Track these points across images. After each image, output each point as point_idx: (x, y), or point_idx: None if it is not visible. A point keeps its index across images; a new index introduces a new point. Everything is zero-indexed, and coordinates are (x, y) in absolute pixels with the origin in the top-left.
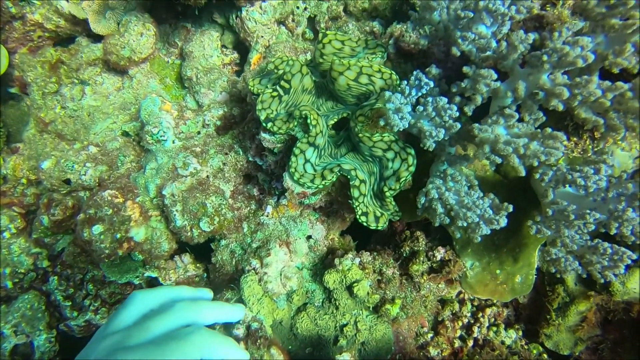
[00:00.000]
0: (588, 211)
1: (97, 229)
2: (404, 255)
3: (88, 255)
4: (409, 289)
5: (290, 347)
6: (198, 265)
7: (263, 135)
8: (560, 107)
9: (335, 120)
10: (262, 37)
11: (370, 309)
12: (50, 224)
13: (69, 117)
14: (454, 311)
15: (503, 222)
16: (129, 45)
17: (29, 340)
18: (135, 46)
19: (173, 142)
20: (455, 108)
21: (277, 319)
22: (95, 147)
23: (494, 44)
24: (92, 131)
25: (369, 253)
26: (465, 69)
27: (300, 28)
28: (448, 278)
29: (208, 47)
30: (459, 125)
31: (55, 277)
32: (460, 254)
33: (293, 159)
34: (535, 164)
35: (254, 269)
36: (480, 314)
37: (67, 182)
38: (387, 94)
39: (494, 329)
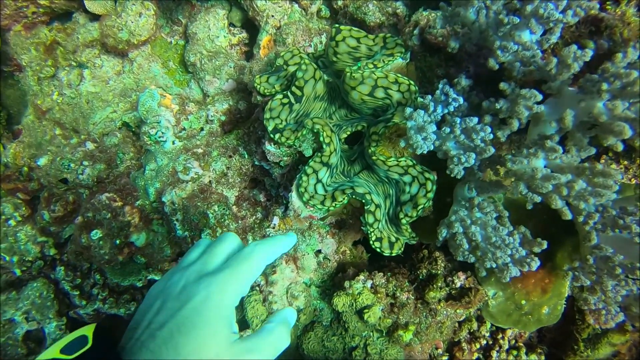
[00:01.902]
0: (639, 265)
1: (96, 234)
2: (420, 277)
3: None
4: (424, 313)
5: None
6: None
7: (268, 147)
8: (620, 148)
9: (349, 133)
10: (272, 16)
11: (382, 331)
12: (51, 219)
13: (67, 104)
14: (471, 330)
15: (535, 265)
16: (127, 27)
17: (40, 327)
18: (133, 28)
19: (173, 142)
20: (489, 130)
21: None
22: (93, 144)
23: (539, 58)
24: (91, 121)
25: (382, 274)
26: (503, 85)
27: (315, 6)
28: (467, 307)
29: (214, 27)
30: (492, 150)
31: (62, 268)
32: (483, 282)
33: (304, 178)
34: (582, 206)
35: (258, 286)
36: (500, 335)
37: (64, 181)
38: (408, 110)
39: (514, 352)
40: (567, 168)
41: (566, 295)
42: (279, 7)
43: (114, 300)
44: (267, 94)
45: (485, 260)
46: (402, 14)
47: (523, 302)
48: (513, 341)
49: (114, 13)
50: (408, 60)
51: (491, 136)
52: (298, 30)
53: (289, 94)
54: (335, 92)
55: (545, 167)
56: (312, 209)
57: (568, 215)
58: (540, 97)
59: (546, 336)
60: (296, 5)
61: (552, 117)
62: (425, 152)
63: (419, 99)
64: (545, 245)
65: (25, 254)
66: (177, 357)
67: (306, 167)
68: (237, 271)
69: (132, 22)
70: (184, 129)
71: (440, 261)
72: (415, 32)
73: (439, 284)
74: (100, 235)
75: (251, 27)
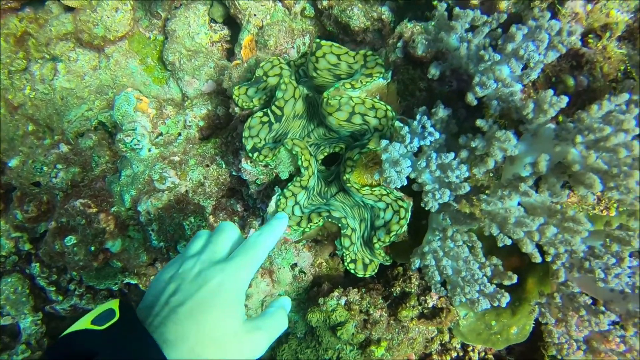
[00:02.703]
0: (603, 309)
1: (70, 240)
2: (394, 294)
3: None
4: (397, 330)
5: None
6: None
7: (244, 166)
8: (590, 199)
9: (326, 154)
10: (254, 15)
11: (355, 345)
12: (24, 220)
13: (40, 100)
14: (443, 341)
15: (505, 301)
16: (103, 23)
17: (15, 322)
18: (109, 23)
19: (149, 150)
20: (465, 169)
21: None
22: (67, 146)
23: (518, 97)
24: (66, 118)
25: (356, 290)
26: (480, 122)
27: (298, 5)
28: (438, 327)
29: (194, 23)
30: (468, 188)
31: (38, 264)
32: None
33: (282, 200)
34: (552, 252)
35: None
36: (471, 348)
37: (37, 184)
38: (384, 142)
39: None
40: (540, 208)
41: (535, 316)
42: (262, 5)
43: (91, 296)
44: (245, 107)
45: (455, 294)
46: (387, 20)
47: (493, 322)
48: (483, 353)
49: (89, 7)
50: (389, 79)
51: (467, 174)
52: (280, 31)
53: (269, 112)
54: (313, 107)
55: (518, 204)
56: (287, 230)
57: (538, 259)
58: (515, 142)
59: (515, 349)
60: (279, 4)
61: (528, 155)
62: (398, 186)
63: (397, 124)
64: (515, 279)
65: None
66: (199, 330)
67: (285, 191)
68: (246, 259)
69: (108, 18)
70: (161, 134)
71: (414, 279)
72: (399, 44)
73: (412, 303)
74: (75, 241)
75: (233, 23)
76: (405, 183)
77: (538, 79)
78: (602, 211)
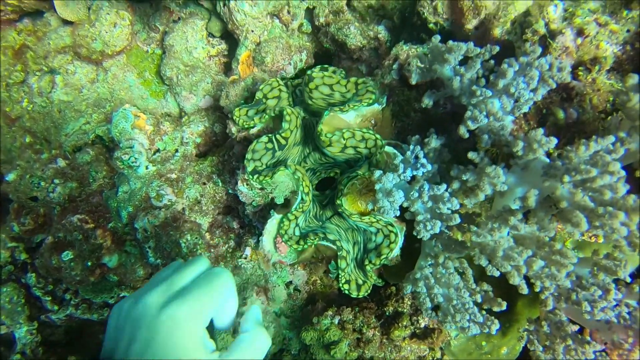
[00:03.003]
0: (588, 339)
1: (67, 255)
2: (387, 314)
3: None
4: (389, 348)
5: None
6: None
7: (240, 188)
8: (577, 237)
9: (320, 179)
10: (252, 31)
11: None
12: (21, 232)
13: (37, 113)
14: (434, 359)
15: (495, 328)
16: (101, 38)
17: (10, 331)
18: (108, 39)
19: (146, 167)
20: (455, 202)
21: None
22: (64, 160)
23: (508, 131)
24: (64, 132)
25: (350, 309)
26: (471, 155)
27: (296, 22)
28: (430, 346)
29: (192, 38)
30: (458, 220)
31: (34, 275)
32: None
33: (286, 222)
34: (538, 285)
35: None
36: None
37: (34, 199)
38: (377, 174)
39: None
40: (529, 239)
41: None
42: (259, 22)
43: (86, 306)
44: (246, 127)
45: (446, 321)
46: (383, 39)
47: (483, 343)
48: None
49: (88, 22)
50: (384, 104)
51: (458, 207)
52: (278, 48)
53: (273, 139)
54: (309, 130)
55: (507, 234)
56: (283, 253)
57: (525, 291)
58: (503, 178)
59: None
60: (277, 21)
61: (517, 187)
62: (391, 216)
63: (389, 149)
64: (504, 306)
65: None
66: None
67: (289, 215)
68: (204, 291)
69: (107, 33)
70: (158, 150)
71: (407, 299)
72: (395, 66)
73: (405, 323)
74: (72, 256)
75: (231, 37)
76: (398, 214)
77: (529, 111)
78: (590, 238)
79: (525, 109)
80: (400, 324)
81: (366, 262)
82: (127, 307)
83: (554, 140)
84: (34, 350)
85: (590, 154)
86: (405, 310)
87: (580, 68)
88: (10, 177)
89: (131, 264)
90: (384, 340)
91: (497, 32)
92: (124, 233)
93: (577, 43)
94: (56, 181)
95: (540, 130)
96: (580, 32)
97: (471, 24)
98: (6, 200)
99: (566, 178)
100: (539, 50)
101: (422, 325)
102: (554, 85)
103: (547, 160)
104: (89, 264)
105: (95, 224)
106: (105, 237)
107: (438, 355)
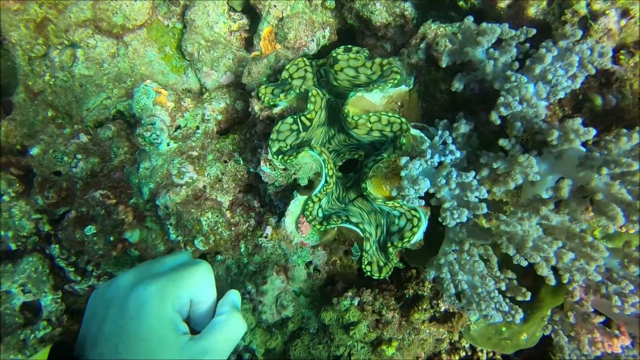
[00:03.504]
0: (617, 333)
1: (90, 229)
2: (407, 296)
3: None
4: (408, 331)
5: None
6: (196, 256)
7: (263, 168)
8: (611, 230)
9: (345, 160)
10: (274, 6)
11: (366, 343)
12: (45, 205)
13: (59, 87)
14: (452, 341)
15: (519, 317)
16: (122, 11)
17: (36, 299)
18: (129, 12)
19: (168, 144)
20: (484, 191)
21: (269, 348)
22: (87, 136)
23: (542, 119)
24: (85, 106)
25: (369, 291)
26: (502, 142)
27: None
28: (450, 331)
29: (213, 12)
30: (485, 210)
31: (57, 246)
32: (468, 315)
33: (310, 204)
34: (567, 277)
35: (249, 293)
36: (480, 348)
37: (57, 173)
38: (403, 160)
39: None
40: (559, 230)
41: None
42: None
43: (108, 277)
44: (271, 104)
45: (470, 309)
46: (410, 16)
47: (504, 329)
48: (491, 354)
49: None
50: (412, 86)
51: (486, 196)
52: (301, 24)
53: (298, 121)
54: (334, 111)
55: (537, 224)
56: (305, 234)
57: (552, 282)
58: (536, 169)
59: (523, 351)
60: None
61: (550, 175)
62: (415, 205)
63: (415, 132)
64: (529, 297)
65: (19, 229)
66: None
67: (313, 197)
68: (180, 274)
69: (127, 6)
70: (179, 127)
71: (427, 282)
72: (422, 46)
73: (424, 306)
74: (94, 231)
75: (252, 12)
76: (423, 203)
77: (565, 96)
78: (621, 228)
79: (560, 95)
80: (420, 307)
81: (388, 245)
82: (101, 291)
83: (592, 131)
84: (59, 317)
85: (633, 146)
86: (425, 293)
87: (622, 51)
88: (34, 151)
89: (152, 239)
90: (403, 323)
91: (531, 11)
92: (145, 209)
93: (621, 25)
94: (79, 156)
95: (579, 120)
96: (624, 13)
97: (504, 2)
98: (31, 173)
99: (604, 170)
100: (580, 33)
101: (442, 309)
102: (594, 72)
103: (584, 149)
104: (111, 238)
105: (117, 199)
106: (127, 213)
107: (456, 337)
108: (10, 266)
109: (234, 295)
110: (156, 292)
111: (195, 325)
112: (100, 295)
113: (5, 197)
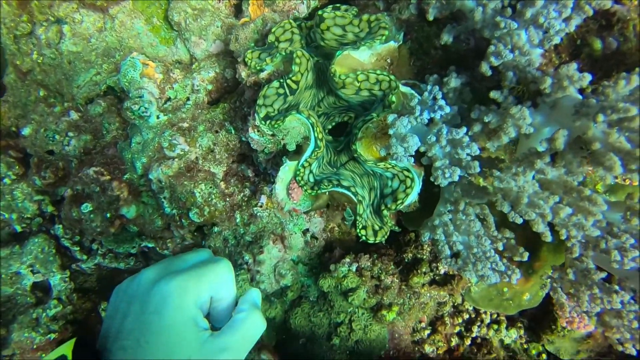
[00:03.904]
0: (617, 288)
1: (86, 207)
2: (406, 260)
3: None
4: (408, 295)
5: (283, 336)
6: (195, 234)
7: (251, 135)
8: (609, 181)
9: (334, 124)
10: None
11: (366, 309)
12: (43, 185)
13: (48, 65)
14: (455, 303)
15: (515, 277)
16: None
17: (46, 279)
18: None
19: (157, 117)
20: (475, 147)
21: (269, 317)
22: (77, 113)
23: (536, 67)
24: (75, 84)
25: (368, 256)
26: (494, 94)
27: None
28: (450, 293)
29: None
30: (477, 169)
31: (61, 226)
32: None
33: (301, 169)
34: (564, 233)
35: (246, 263)
36: (483, 310)
37: (51, 152)
38: (391, 118)
39: (495, 326)
40: (555, 184)
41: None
42: None
43: (113, 255)
44: (258, 69)
45: (465, 270)
46: None
47: (505, 289)
48: (495, 315)
49: None
50: (401, 42)
51: (478, 152)
52: None
53: (284, 84)
54: (323, 73)
55: (533, 178)
56: (296, 200)
57: (549, 238)
58: (530, 120)
59: (527, 310)
60: None
61: (545, 127)
62: (405, 163)
63: (404, 89)
64: (526, 257)
65: (23, 211)
66: None
67: (304, 162)
68: (199, 271)
69: None
70: (169, 99)
71: (426, 246)
72: (413, 0)
73: (424, 270)
74: (91, 208)
75: None
76: (412, 161)
77: (561, 42)
78: (624, 180)
79: (556, 40)
80: (419, 271)
81: (382, 208)
82: (124, 286)
83: (588, 77)
84: (69, 296)
85: (632, 89)
86: (424, 256)
87: None
88: (26, 131)
89: (149, 214)
90: (403, 287)
91: None
92: (139, 184)
93: None
94: (70, 134)
95: (573, 65)
96: None
97: None
98: (27, 155)
99: (600, 117)
100: None
101: (442, 271)
102: (591, 13)
103: (580, 97)
104: (108, 215)
105: (111, 175)
106: (121, 189)
107: (459, 300)
108: (17, 248)
109: (254, 293)
110: (178, 288)
111: (215, 321)
112: (123, 290)
113: (7, 180)
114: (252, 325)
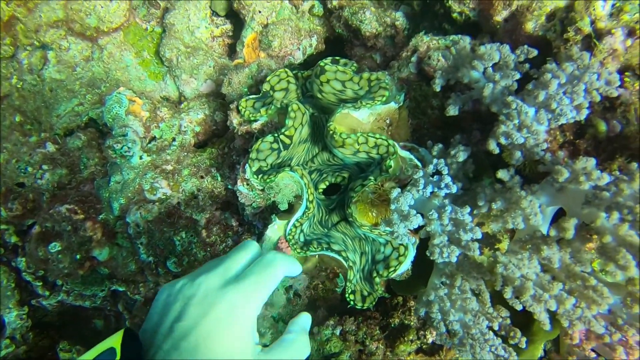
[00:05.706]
0: None
1: (55, 246)
2: (392, 326)
3: None
4: None
5: None
6: (169, 278)
7: (240, 188)
8: (619, 278)
9: (327, 184)
10: (259, 12)
11: None
12: (9, 217)
13: (27, 91)
14: None
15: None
16: (96, 13)
17: (0, 316)
18: (103, 14)
19: (140, 157)
20: (479, 232)
21: None
22: (54, 145)
23: (542, 143)
24: (55, 113)
25: (353, 319)
26: (502, 174)
27: (307, 3)
28: None
29: (194, 17)
30: (478, 252)
31: (24, 259)
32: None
33: (293, 229)
34: (566, 323)
35: None
36: None
37: (21, 185)
38: (395, 192)
39: None
40: (561, 272)
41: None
42: (267, 2)
43: (78, 292)
44: (251, 119)
45: (462, 351)
46: (401, 27)
47: None
48: None
49: None
50: (401, 103)
51: (480, 236)
52: (286, 32)
53: (278, 141)
54: (318, 127)
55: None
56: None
57: (547, 327)
58: (540, 215)
59: None
60: (286, 1)
61: (549, 207)
62: (405, 242)
63: (404, 154)
64: (524, 344)
65: None
66: None
67: (295, 222)
68: (261, 279)
69: (102, 8)
70: (154, 138)
71: (413, 312)
72: (413, 59)
73: (411, 337)
74: (60, 248)
75: (236, 17)
76: (413, 242)
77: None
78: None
79: (562, 121)
80: (406, 338)
81: (374, 275)
82: (179, 286)
83: (606, 178)
84: (24, 335)
85: None
86: (412, 323)
87: (627, 73)
88: None
89: (123, 257)
90: (388, 354)
91: (529, 26)
92: (115, 226)
93: (627, 45)
94: (45, 167)
95: (592, 162)
96: (631, 33)
97: (501, 15)
98: None
99: (615, 215)
100: (588, 56)
101: (430, 340)
102: (599, 99)
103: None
104: (78, 256)
105: (85, 214)
106: (95, 230)
107: None
108: None
109: (305, 318)
110: (244, 300)
111: None
112: (177, 290)
113: None
114: (299, 348)
